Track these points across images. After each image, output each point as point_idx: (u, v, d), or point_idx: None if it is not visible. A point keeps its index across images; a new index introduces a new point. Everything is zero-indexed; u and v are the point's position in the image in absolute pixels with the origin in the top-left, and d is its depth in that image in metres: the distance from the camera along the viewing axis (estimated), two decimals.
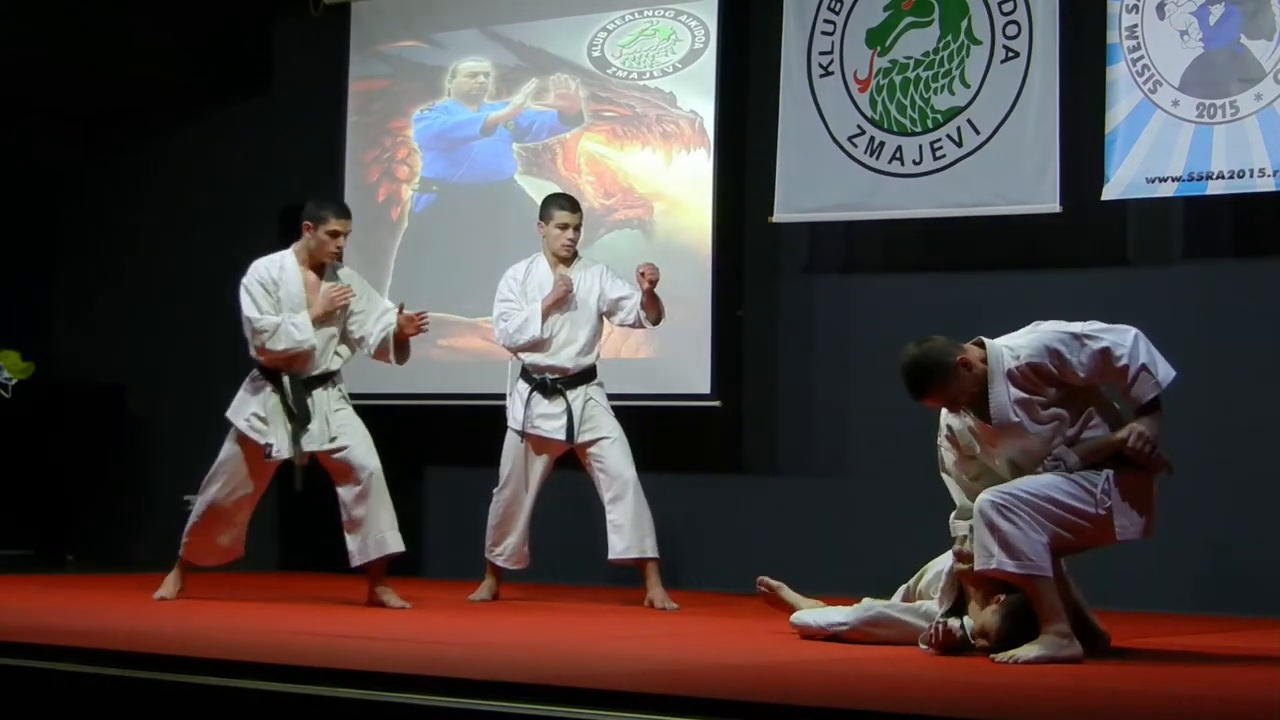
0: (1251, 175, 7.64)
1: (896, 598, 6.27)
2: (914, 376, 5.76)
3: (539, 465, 8.11)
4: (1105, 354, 5.68)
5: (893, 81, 8.58)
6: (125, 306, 11.23)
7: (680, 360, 9.09)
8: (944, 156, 8.41)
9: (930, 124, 8.47)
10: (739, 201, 9.20)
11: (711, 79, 9.15)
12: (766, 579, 6.63)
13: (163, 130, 11.28)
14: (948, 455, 6.06)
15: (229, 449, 7.66)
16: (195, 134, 11.13)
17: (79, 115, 11.39)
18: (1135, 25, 7.95)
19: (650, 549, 7.96)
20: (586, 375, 8.11)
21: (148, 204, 11.24)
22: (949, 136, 8.41)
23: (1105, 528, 5.74)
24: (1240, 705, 4.78)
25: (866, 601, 6.22)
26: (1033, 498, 5.64)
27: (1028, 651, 5.57)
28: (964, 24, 8.41)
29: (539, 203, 8.44)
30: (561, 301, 8.06)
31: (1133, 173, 7.91)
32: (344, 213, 7.69)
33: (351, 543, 7.62)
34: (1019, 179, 8.22)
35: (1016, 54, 8.27)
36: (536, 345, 8.07)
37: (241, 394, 7.65)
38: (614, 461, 7.99)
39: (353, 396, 9.26)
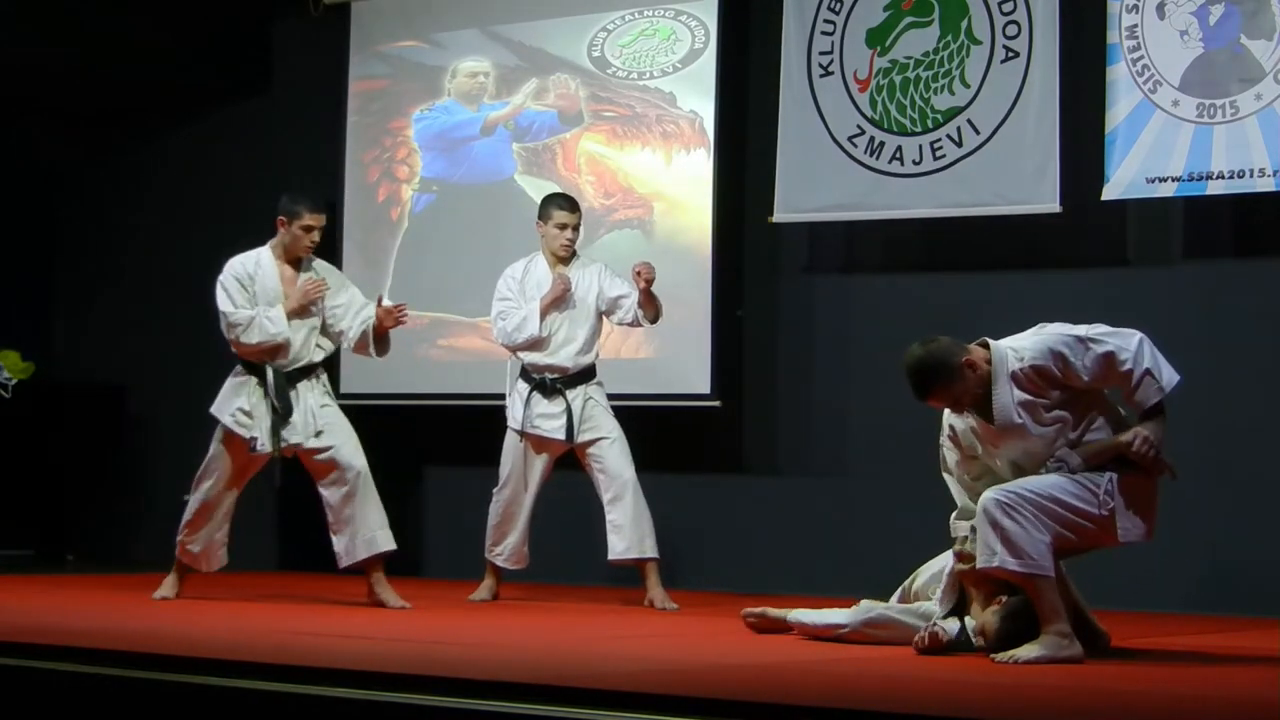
0: (1251, 175, 7.64)
1: (893, 599, 6.27)
2: (918, 376, 5.76)
3: (539, 465, 8.11)
4: (1110, 358, 5.69)
5: (893, 81, 8.58)
6: (125, 306, 11.24)
7: (680, 360, 9.09)
8: (944, 156, 8.41)
9: (930, 124, 8.47)
10: (739, 201, 9.20)
11: (711, 79, 9.15)
12: (748, 611, 6.57)
13: (163, 130, 11.28)
14: (950, 455, 6.06)
15: (216, 446, 7.71)
16: (195, 134, 11.13)
17: (79, 115, 11.39)
18: (1135, 25, 7.95)
19: (650, 549, 7.96)
20: (586, 375, 8.11)
21: (148, 204, 11.24)
22: (949, 136, 8.41)
23: (1108, 529, 5.74)
24: (1240, 705, 4.78)
25: (865, 603, 6.22)
26: (1037, 497, 5.65)
27: (1028, 651, 5.57)
28: (964, 24, 8.41)
29: (539, 203, 8.44)
30: (560, 300, 8.06)
31: (1133, 173, 7.91)
32: (318, 207, 7.73)
33: (338, 543, 7.63)
34: (1019, 179, 8.22)
35: (1016, 54, 8.26)
36: (535, 344, 8.07)
37: (226, 390, 7.70)
38: (613, 462, 7.99)
39: (353, 396, 9.32)
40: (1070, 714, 4.61)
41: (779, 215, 8.83)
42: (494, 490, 8.18)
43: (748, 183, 9.18)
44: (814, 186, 8.72)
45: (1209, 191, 7.78)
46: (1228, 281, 8.09)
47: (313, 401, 7.65)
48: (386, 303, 7.72)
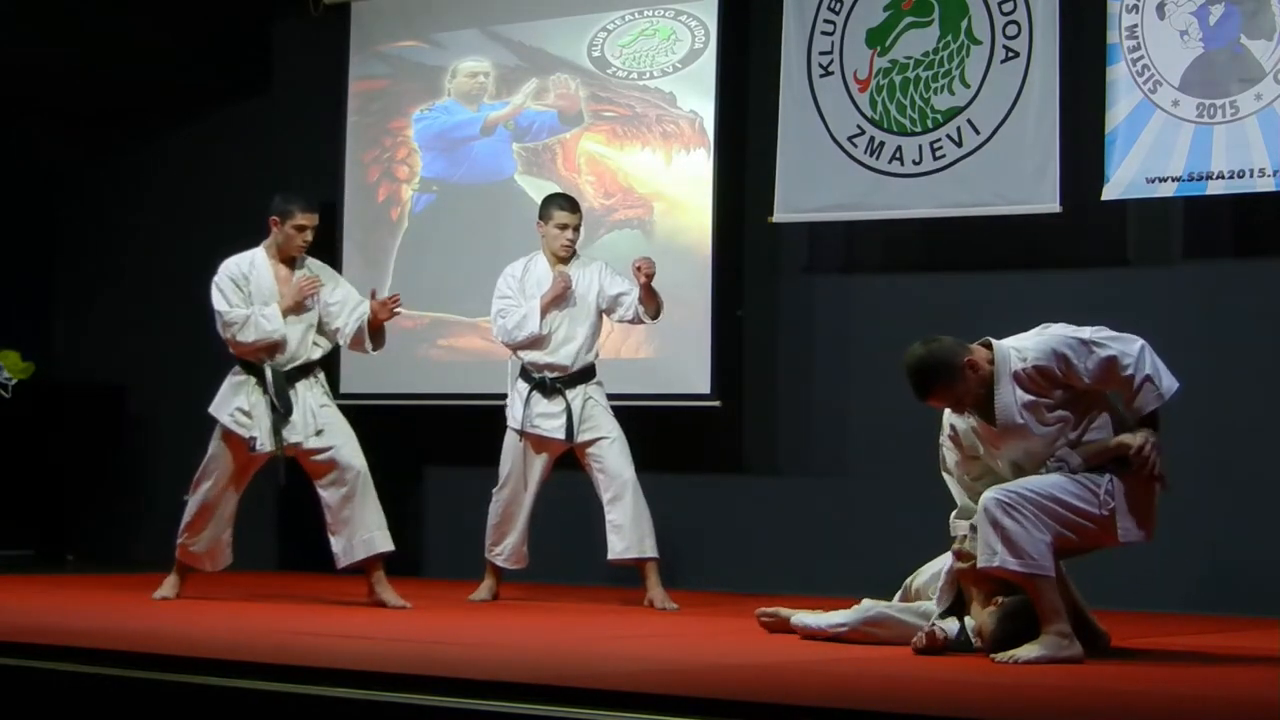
0: (1251, 175, 7.64)
1: (895, 599, 6.27)
2: (920, 376, 5.76)
3: (538, 464, 8.11)
4: (1112, 362, 5.69)
5: (893, 81, 8.58)
6: (125, 306, 11.24)
7: (680, 360, 9.09)
8: (944, 156, 8.41)
9: (930, 124, 8.47)
10: (739, 201, 9.20)
11: (711, 79, 9.15)
12: (763, 610, 6.56)
13: (163, 130, 11.28)
14: (950, 455, 6.06)
15: (215, 446, 7.72)
16: (195, 134, 11.13)
17: (79, 115, 11.39)
18: (1135, 25, 7.95)
19: (650, 549, 7.96)
20: (586, 374, 8.11)
21: (148, 204, 11.24)
22: (949, 136, 8.41)
23: (1108, 529, 5.74)
24: (1240, 705, 4.78)
25: (866, 602, 6.22)
26: (1037, 497, 5.65)
27: (1028, 652, 5.57)
28: (964, 24, 8.41)
29: (539, 203, 8.44)
30: (560, 298, 8.06)
31: (1133, 173, 7.91)
32: (310, 207, 7.74)
33: (336, 544, 7.64)
34: (1019, 179, 8.21)
35: (1016, 54, 8.26)
36: (535, 342, 8.07)
37: (224, 390, 7.71)
38: (613, 462, 7.99)
39: (353, 396, 9.32)
40: (1070, 714, 4.61)
41: (779, 215, 8.83)
42: (494, 490, 8.18)
43: (748, 183, 9.18)
44: (814, 186, 8.72)
45: (1209, 191, 7.78)
46: (1228, 281, 8.09)
47: (312, 401, 7.67)
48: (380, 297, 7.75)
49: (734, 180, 9.18)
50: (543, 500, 8.17)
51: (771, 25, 8.94)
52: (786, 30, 8.85)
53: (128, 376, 11.10)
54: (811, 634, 6.22)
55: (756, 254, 9.23)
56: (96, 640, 5.72)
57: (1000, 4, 8.32)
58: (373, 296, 7.76)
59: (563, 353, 8.07)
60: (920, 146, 8.48)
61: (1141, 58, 7.92)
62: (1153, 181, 7.86)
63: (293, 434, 7.60)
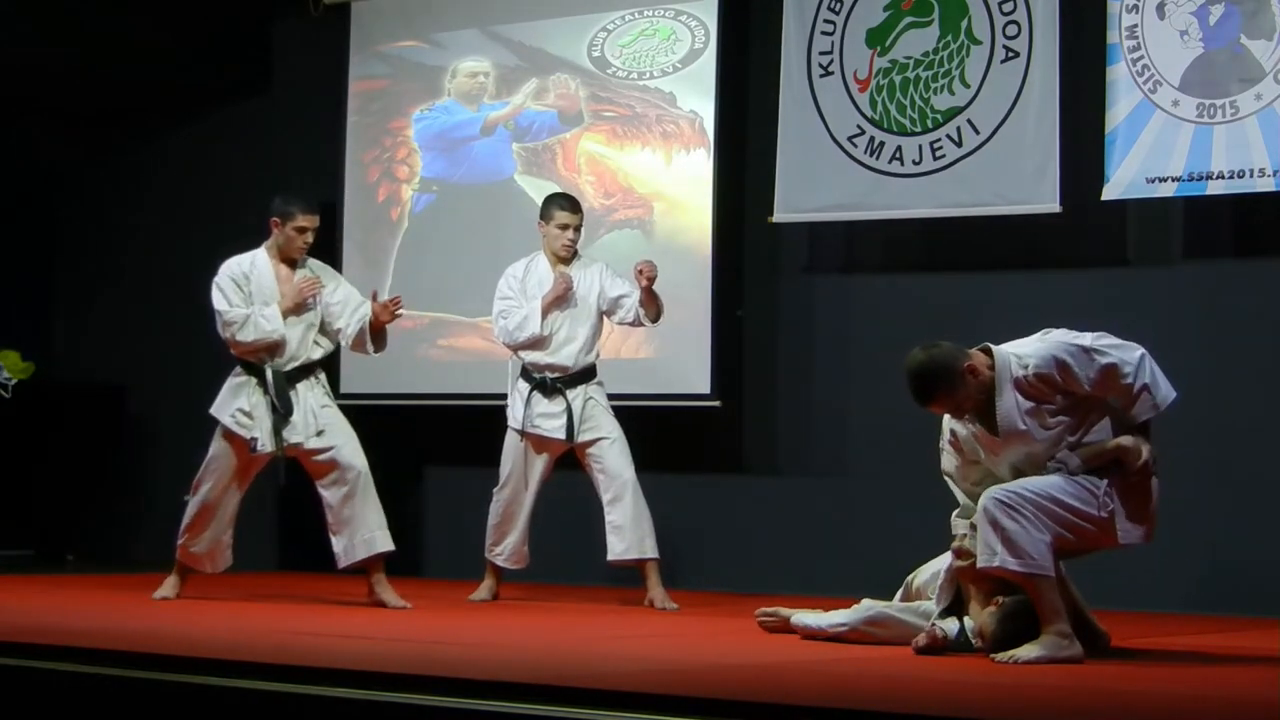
0: (1251, 175, 7.64)
1: (896, 598, 6.27)
2: (920, 383, 5.74)
3: (539, 464, 8.11)
4: (1112, 369, 5.69)
5: (893, 81, 8.58)
6: (125, 306, 11.24)
7: (680, 360, 9.09)
8: (944, 156, 8.41)
9: (930, 124, 8.47)
10: (739, 201, 9.20)
11: (711, 79, 9.15)
12: (762, 611, 6.56)
13: (163, 130, 11.28)
14: (949, 459, 6.05)
15: (216, 446, 7.71)
16: (195, 134, 11.13)
17: (79, 115, 11.39)
18: (1135, 25, 7.95)
19: (650, 549, 7.96)
20: (586, 374, 8.11)
21: (148, 204, 11.24)
22: (949, 136, 8.41)
23: (1108, 530, 5.74)
24: (1240, 705, 4.78)
25: (866, 602, 6.22)
26: (1037, 497, 5.64)
27: (1028, 652, 5.57)
28: (964, 24, 8.41)
29: (539, 203, 8.45)
30: (561, 299, 8.06)
31: (1133, 173, 7.91)
32: (311, 208, 7.75)
33: (337, 544, 7.64)
34: (1019, 179, 8.21)
35: (1016, 54, 8.26)
36: (536, 343, 8.07)
37: (225, 390, 7.72)
38: (613, 462, 7.99)
39: (353, 396, 9.32)
40: (1070, 714, 4.61)
41: (779, 215, 8.83)
42: (494, 490, 8.18)
43: (748, 183, 9.18)
44: (814, 186, 8.72)
45: (1209, 191, 7.78)
46: (1228, 281, 8.09)
47: (313, 402, 7.67)
48: (382, 298, 7.75)
49: (734, 180, 9.18)
50: (543, 500, 8.17)
51: (771, 25, 8.94)
52: (786, 30, 8.85)
53: (128, 376, 11.10)
54: (811, 634, 6.22)
55: (756, 254, 9.23)
56: (96, 640, 5.72)
57: (1000, 4, 8.32)
58: (374, 298, 7.76)
59: (563, 353, 8.07)
60: (920, 146, 8.48)
61: (1141, 58, 7.92)
62: (1153, 181, 7.86)
63: (293, 434, 7.61)
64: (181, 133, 11.20)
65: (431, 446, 10.02)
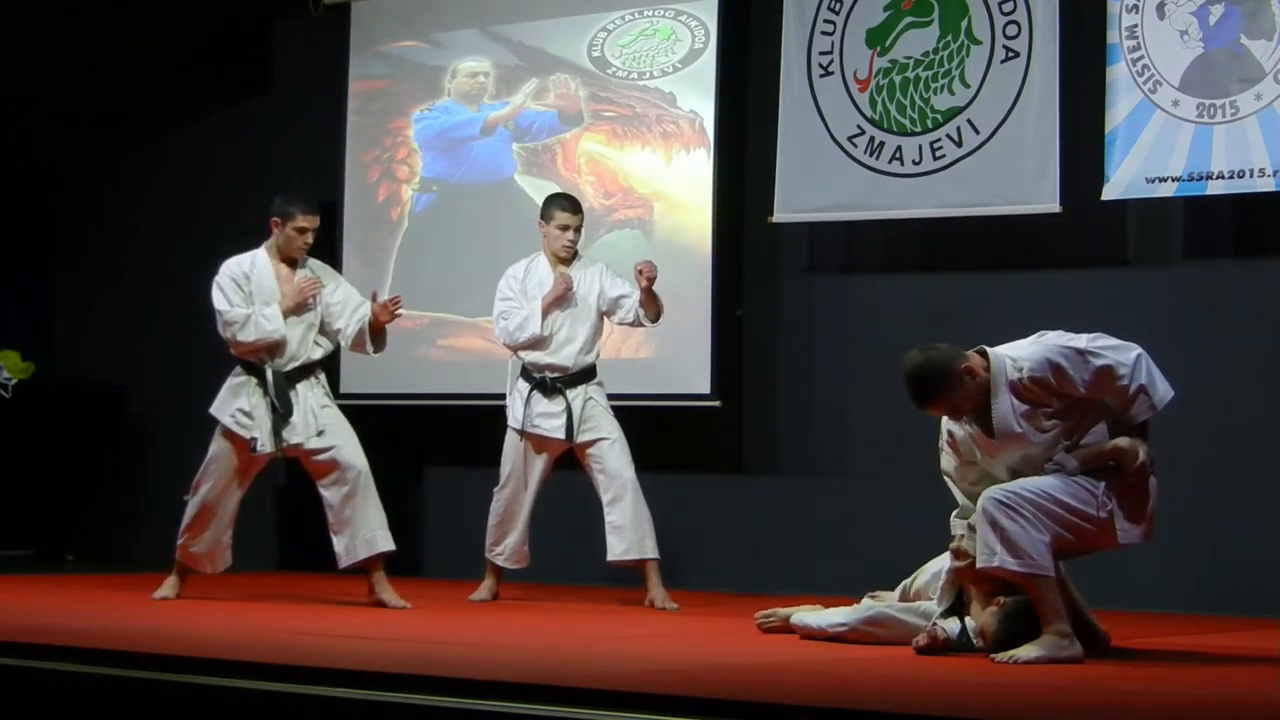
0: (1251, 175, 7.64)
1: (894, 598, 6.27)
2: (918, 385, 5.74)
3: (539, 464, 8.11)
4: (1108, 371, 5.68)
5: (893, 81, 8.58)
6: (125, 306, 11.24)
7: (680, 360, 9.09)
8: (944, 156, 8.41)
9: (930, 124, 8.47)
10: (739, 201, 9.20)
11: (711, 79, 9.15)
12: (761, 614, 6.56)
13: (163, 130, 11.28)
14: (948, 460, 6.05)
15: (216, 447, 7.72)
16: (195, 134, 11.13)
17: (79, 115, 11.39)
18: (1135, 25, 7.95)
19: (650, 549, 7.96)
20: (586, 374, 8.11)
21: (148, 204, 11.24)
22: (949, 136, 8.41)
23: (1107, 530, 5.74)
24: (1240, 705, 4.79)
25: (866, 602, 6.22)
26: (1036, 497, 5.64)
27: (1028, 652, 5.57)
28: (964, 24, 8.41)
29: (539, 203, 8.45)
30: (561, 299, 8.06)
31: (1133, 173, 7.91)
32: (311, 209, 7.76)
33: (338, 543, 7.64)
34: (1019, 179, 8.21)
35: (1016, 54, 8.26)
36: (536, 343, 8.07)
37: (225, 391, 7.72)
38: (613, 462, 7.99)
39: (353, 396, 9.32)
40: (1070, 714, 4.61)
41: (779, 215, 8.83)
42: (494, 490, 8.18)
43: (748, 183, 9.18)
44: (814, 186, 8.72)
45: (1209, 191, 7.78)
46: (1228, 281, 8.09)
47: (313, 402, 7.67)
48: (381, 298, 7.76)
49: (734, 180, 9.18)
50: (543, 500, 8.17)
51: (771, 25, 8.94)
52: (786, 30, 8.85)
53: (128, 376, 11.10)
54: (811, 634, 6.22)
55: (756, 254, 9.23)
56: (96, 640, 5.72)
57: (1000, 4, 8.32)
58: (373, 299, 7.76)
59: (563, 353, 8.07)
60: (920, 146, 8.47)
61: (1141, 58, 7.92)
62: (1153, 181, 7.86)
63: (293, 435, 7.61)
64: (181, 133, 11.20)
65: (431, 446, 10.02)
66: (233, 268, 7.73)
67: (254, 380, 7.66)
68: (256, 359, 7.67)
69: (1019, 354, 5.75)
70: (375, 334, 7.73)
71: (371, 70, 10.14)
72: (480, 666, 5.29)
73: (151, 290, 11.05)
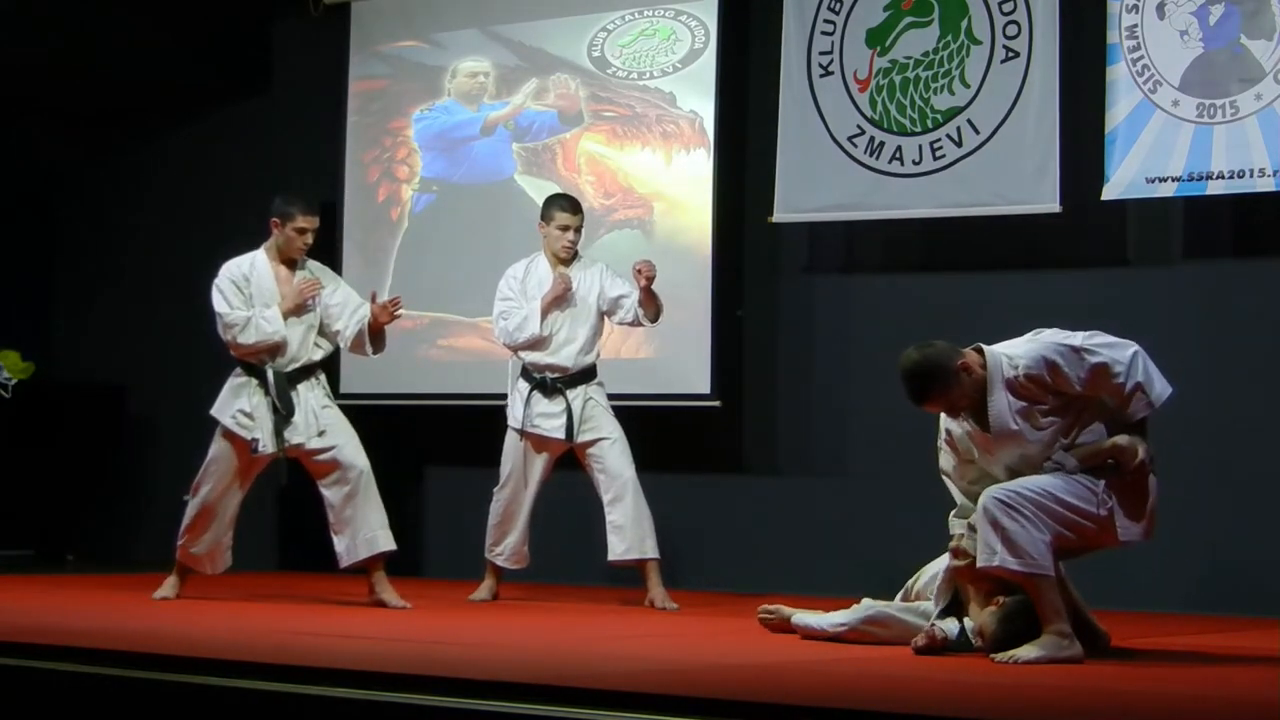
0: (1251, 175, 7.64)
1: (896, 599, 6.27)
2: (915, 381, 5.75)
3: (539, 464, 8.11)
4: (1103, 369, 5.68)
5: (893, 81, 8.58)
6: (125, 306, 11.24)
7: (680, 360, 9.09)
8: (944, 156, 8.41)
9: (930, 124, 8.47)
10: (739, 201, 9.20)
11: (711, 79, 9.15)
12: (764, 609, 6.55)
13: (163, 130, 11.28)
14: (946, 459, 6.05)
15: (217, 448, 7.72)
16: (195, 134, 11.13)
17: (79, 115, 11.39)
18: (1135, 25, 7.95)
19: (650, 549, 7.96)
20: (586, 374, 8.11)
21: (148, 204, 11.25)
22: (949, 136, 8.41)
23: (1107, 529, 5.74)
24: (1240, 705, 4.79)
25: (866, 602, 6.22)
26: (1037, 496, 5.64)
27: (1028, 652, 5.57)
28: (964, 24, 8.41)
29: (539, 203, 8.45)
30: (561, 299, 8.06)
31: (1133, 173, 7.91)
32: (311, 209, 7.76)
33: (339, 543, 7.65)
34: (1019, 179, 8.22)
35: (1016, 54, 8.27)
36: (536, 343, 8.07)
37: (226, 392, 7.72)
38: (613, 462, 7.99)
39: (353, 396, 9.33)
40: (1070, 714, 4.61)
41: (779, 215, 8.83)
42: (494, 490, 8.18)
43: (748, 183, 9.19)
44: (814, 186, 8.72)
45: (1209, 191, 7.78)
46: (1228, 281, 8.09)
47: (314, 402, 7.67)
48: (381, 298, 7.76)
49: (734, 180, 9.18)
50: (543, 500, 8.17)
51: (771, 25, 8.94)
52: (786, 30, 8.85)
53: (128, 376, 11.10)
54: (811, 634, 6.22)
55: (756, 254, 9.24)
56: (96, 640, 5.72)
57: (1000, 4, 8.32)
58: (373, 299, 7.76)
59: (563, 354, 8.07)
60: (920, 146, 8.48)
61: (1141, 58, 7.92)
62: (1153, 181, 7.86)
63: (294, 435, 7.61)
64: (181, 133, 11.20)
65: (431, 446, 10.02)
66: (232, 270, 7.73)
67: (255, 381, 7.67)
68: (257, 360, 7.67)
69: (1015, 351, 5.75)
70: (374, 335, 7.74)
71: (371, 70, 10.14)
72: (480, 666, 5.29)
73: (151, 290, 11.05)
